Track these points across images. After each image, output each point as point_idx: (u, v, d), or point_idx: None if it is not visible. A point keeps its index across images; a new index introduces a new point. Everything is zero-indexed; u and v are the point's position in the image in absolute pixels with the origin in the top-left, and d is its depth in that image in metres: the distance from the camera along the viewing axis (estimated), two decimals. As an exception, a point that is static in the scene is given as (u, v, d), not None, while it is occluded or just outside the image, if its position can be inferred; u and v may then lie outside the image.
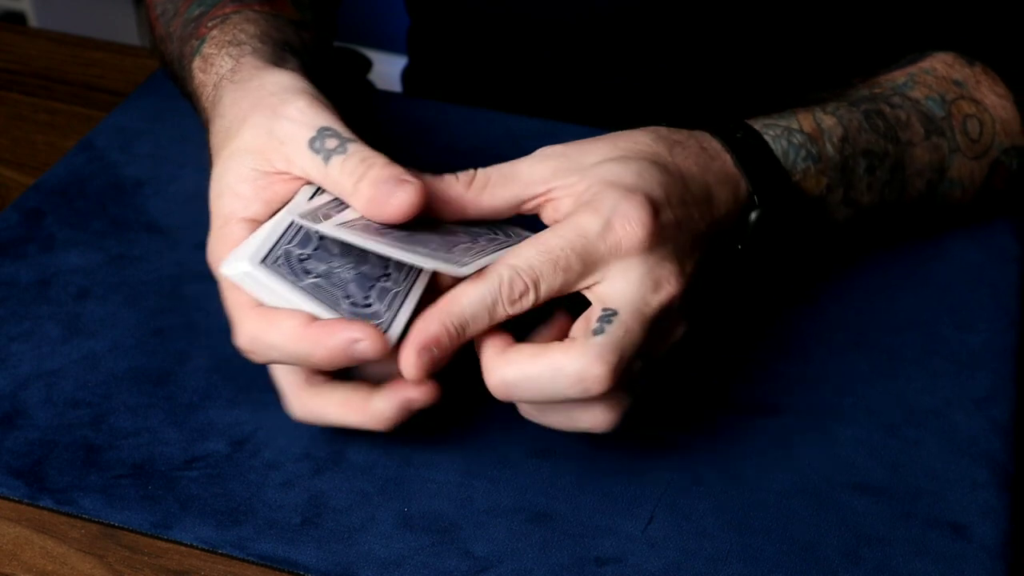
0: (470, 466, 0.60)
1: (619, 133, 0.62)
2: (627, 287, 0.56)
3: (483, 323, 0.55)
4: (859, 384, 0.65)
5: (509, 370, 0.55)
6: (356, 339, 0.53)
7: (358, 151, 0.57)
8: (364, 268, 0.57)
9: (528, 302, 0.56)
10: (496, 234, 0.60)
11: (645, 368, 0.57)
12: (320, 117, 0.59)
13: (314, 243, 0.57)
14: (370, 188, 0.56)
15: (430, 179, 0.58)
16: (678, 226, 0.58)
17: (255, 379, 0.64)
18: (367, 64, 1.27)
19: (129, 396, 0.64)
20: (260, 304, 0.56)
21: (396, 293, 0.57)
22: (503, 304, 0.55)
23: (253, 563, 0.57)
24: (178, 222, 0.74)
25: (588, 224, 0.56)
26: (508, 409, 0.63)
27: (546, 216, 0.59)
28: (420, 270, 0.58)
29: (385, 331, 0.55)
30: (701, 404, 0.64)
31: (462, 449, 0.61)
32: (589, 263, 0.56)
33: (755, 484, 0.60)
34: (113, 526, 0.58)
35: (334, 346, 0.53)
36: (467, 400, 0.63)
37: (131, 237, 0.73)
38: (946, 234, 0.74)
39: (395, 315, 0.56)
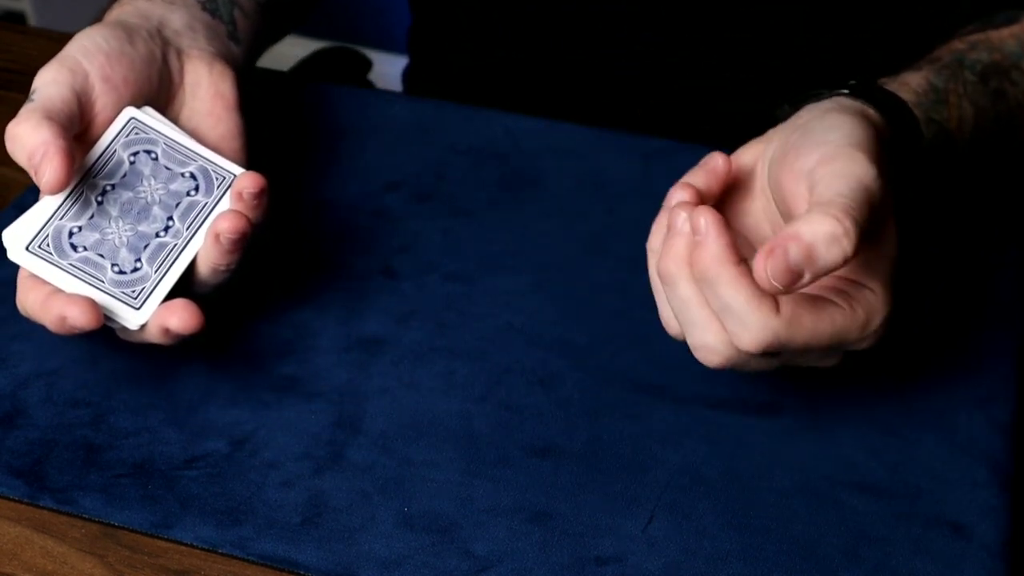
0: (470, 466, 0.60)
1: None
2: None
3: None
4: (859, 384, 0.65)
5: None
6: (64, 316, 0.57)
7: (19, 114, 0.59)
8: (143, 226, 0.59)
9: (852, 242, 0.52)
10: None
11: None
12: (43, 79, 0.61)
13: (92, 210, 0.60)
14: (23, 159, 0.59)
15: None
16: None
17: (255, 379, 0.64)
18: (367, 64, 1.27)
19: (129, 395, 0.64)
20: (30, 274, 0.60)
21: (173, 248, 0.59)
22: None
23: (253, 563, 0.57)
24: (178, 222, 0.74)
25: (849, 329, 0.56)
26: (508, 409, 0.63)
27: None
28: (204, 221, 0.60)
29: (148, 295, 0.58)
30: (701, 404, 0.64)
31: (462, 449, 0.61)
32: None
33: (755, 484, 0.60)
34: (113, 526, 0.58)
35: (51, 319, 0.58)
36: (467, 398, 0.64)
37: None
38: (946, 234, 0.74)
39: (162, 277, 0.59)
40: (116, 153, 0.61)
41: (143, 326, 0.59)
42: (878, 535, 0.57)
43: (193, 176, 0.62)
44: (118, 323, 0.59)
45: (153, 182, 0.61)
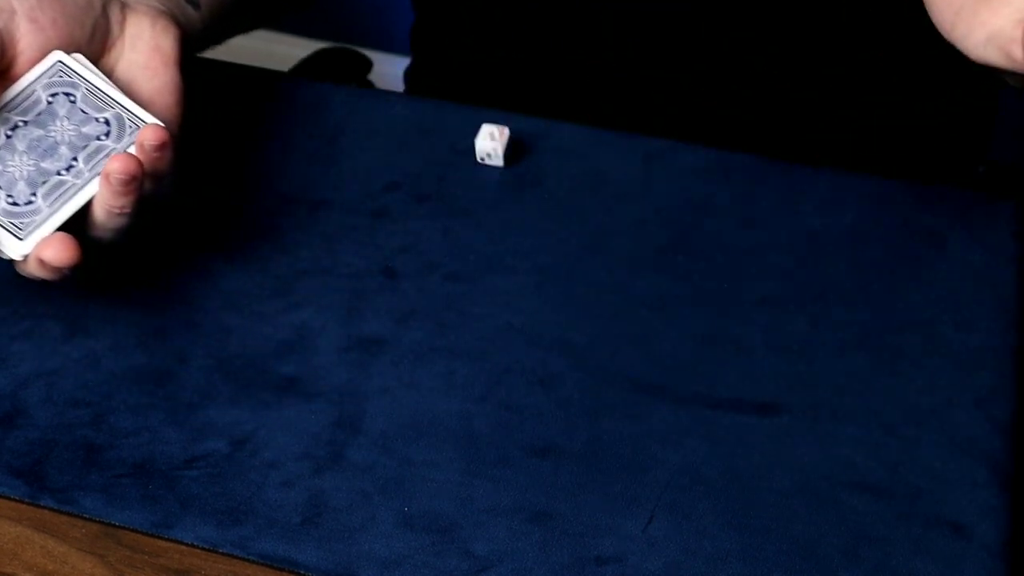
0: (470, 466, 0.60)
1: None
2: None
3: None
4: (859, 384, 0.65)
5: None
6: None
7: None
8: (46, 163, 0.60)
9: None
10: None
11: None
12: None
13: (0, 141, 0.60)
14: None
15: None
16: None
17: (255, 379, 0.64)
18: (367, 64, 1.26)
19: (129, 395, 0.64)
20: None
21: (71, 187, 0.60)
22: None
23: (254, 562, 0.57)
24: (178, 222, 0.74)
25: None
26: (508, 409, 0.63)
27: None
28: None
29: (38, 227, 0.58)
30: (701, 404, 0.64)
31: (462, 449, 0.61)
32: None
33: (755, 484, 0.60)
34: (114, 525, 0.58)
35: None
36: (467, 398, 0.64)
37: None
38: (946, 234, 0.74)
39: (53, 213, 0.59)
40: (35, 92, 0.62)
41: (25, 257, 0.59)
42: (878, 535, 0.57)
43: (107, 122, 0.62)
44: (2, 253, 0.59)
45: (66, 123, 0.61)
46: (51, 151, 0.60)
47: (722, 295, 0.70)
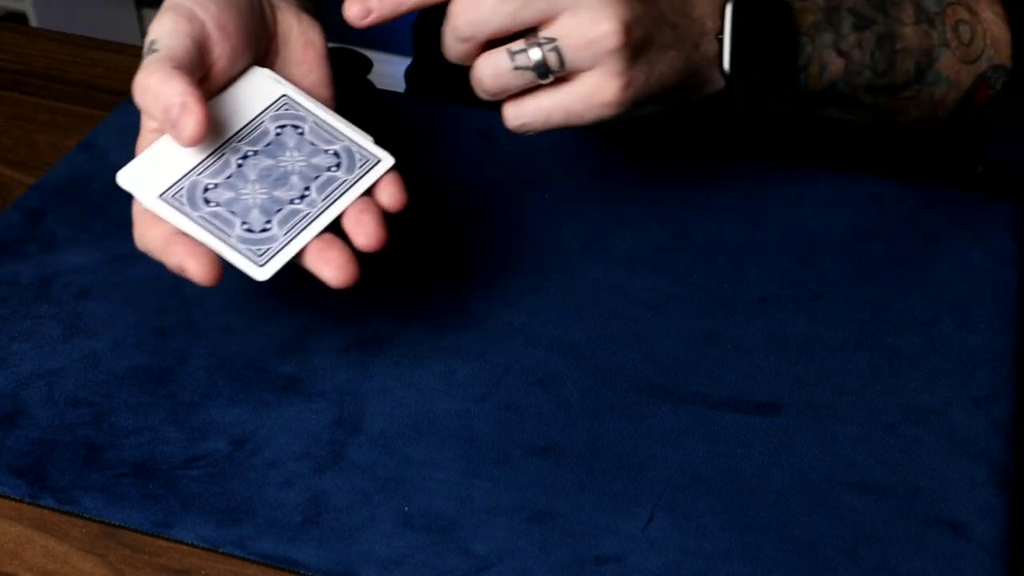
0: (470, 465, 0.60)
1: None
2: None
3: (457, 30, 0.62)
4: (859, 383, 0.65)
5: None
6: (183, 267, 0.58)
7: (145, 65, 0.60)
8: (279, 192, 0.60)
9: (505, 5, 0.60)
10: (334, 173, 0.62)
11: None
12: (161, 29, 0.61)
13: (231, 170, 0.61)
14: (158, 111, 0.59)
15: None
16: None
17: (255, 379, 0.65)
18: (367, 64, 1.27)
19: (130, 395, 0.64)
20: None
21: (305, 216, 0.60)
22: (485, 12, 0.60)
23: (254, 562, 0.57)
24: (179, 222, 0.74)
25: None
26: (508, 409, 0.63)
27: None
28: (340, 196, 0.61)
29: (274, 255, 0.58)
30: (701, 404, 0.64)
31: (462, 449, 0.61)
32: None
33: (755, 483, 0.60)
34: (114, 525, 0.58)
35: (171, 264, 0.58)
36: (467, 398, 0.64)
37: (131, 237, 0.73)
38: (946, 234, 0.74)
39: (290, 240, 0.59)
40: (263, 124, 0.62)
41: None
42: (878, 535, 0.57)
43: (337, 154, 0.62)
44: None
45: (296, 154, 0.62)
46: (283, 180, 0.60)
47: (722, 295, 0.70)
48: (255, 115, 0.63)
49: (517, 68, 0.62)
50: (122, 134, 0.82)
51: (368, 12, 0.62)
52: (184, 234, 0.59)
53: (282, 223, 0.59)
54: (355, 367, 0.65)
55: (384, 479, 0.60)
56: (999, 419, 0.63)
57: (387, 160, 0.63)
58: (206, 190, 0.60)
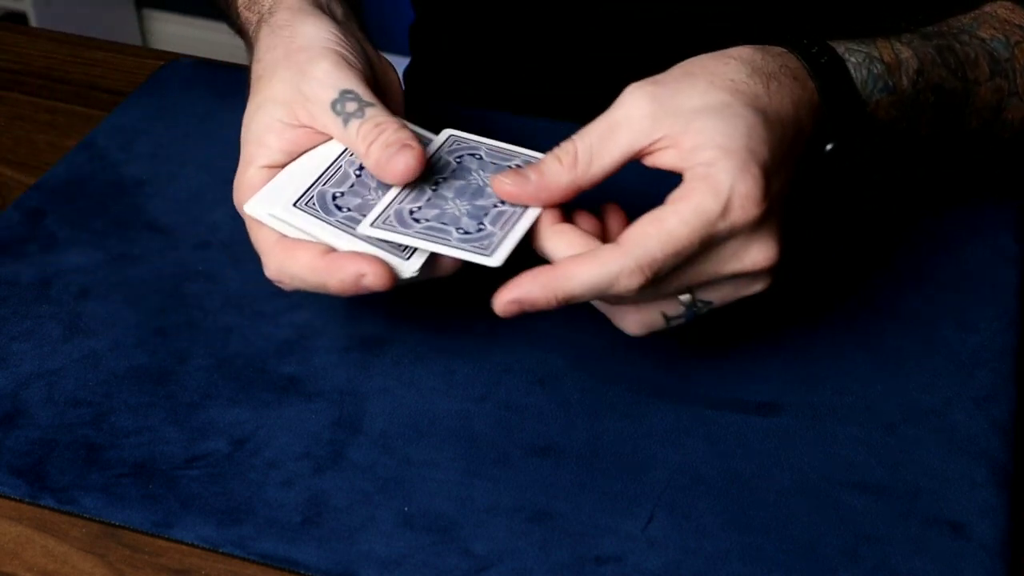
0: (470, 465, 0.60)
1: (710, 63, 0.61)
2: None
3: (588, 299, 0.57)
4: (859, 383, 0.65)
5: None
6: (363, 273, 0.57)
7: (374, 116, 0.61)
8: (480, 201, 0.61)
9: (644, 283, 0.56)
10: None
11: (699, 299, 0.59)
12: (343, 79, 0.62)
13: (351, 180, 0.62)
14: (378, 151, 0.60)
15: (535, 172, 0.59)
16: (782, 191, 0.59)
17: (255, 379, 0.65)
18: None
19: (130, 395, 0.64)
20: (282, 238, 0.60)
21: (513, 213, 0.60)
22: (617, 291, 0.56)
23: (254, 562, 0.57)
24: (178, 221, 0.74)
25: (708, 207, 0.56)
26: (508, 409, 0.63)
27: (647, 162, 0.59)
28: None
29: (499, 244, 0.59)
30: (701, 404, 0.64)
31: (462, 449, 0.61)
32: (708, 246, 0.57)
33: (755, 483, 0.60)
34: (114, 525, 0.58)
35: (344, 278, 0.57)
36: (467, 398, 0.64)
37: (132, 236, 0.73)
38: (947, 234, 0.74)
39: (507, 232, 0.59)
40: (442, 159, 0.63)
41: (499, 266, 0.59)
42: (878, 535, 0.57)
43: (520, 166, 0.62)
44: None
45: (482, 172, 0.63)
46: (479, 193, 0.61)
47: (722, 295, 0.70)
48: (431, 154, 0.63)
49: (672, 323, 0.60)
50: (121, 134, 0.82)
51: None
52: (332, 249, 0.59)
53: (494, 221, 0.60)
54: (355, 367, 0.65)
55: (384, 479, 0.60)
56: (999, 419, 0.63)
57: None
58: (411, 212, 0.60)
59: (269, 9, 0.68)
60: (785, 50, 0.63)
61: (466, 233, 0.59)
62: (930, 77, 0.69)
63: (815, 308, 0.69)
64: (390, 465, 0.60)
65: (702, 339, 0.67)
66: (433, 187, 0.62)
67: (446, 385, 0.64)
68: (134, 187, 0.77)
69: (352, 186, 0.61)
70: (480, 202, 0.61)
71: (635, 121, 0.58)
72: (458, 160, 0.63)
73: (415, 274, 0.59)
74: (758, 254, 0.58)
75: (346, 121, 0.61)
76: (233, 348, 0.66)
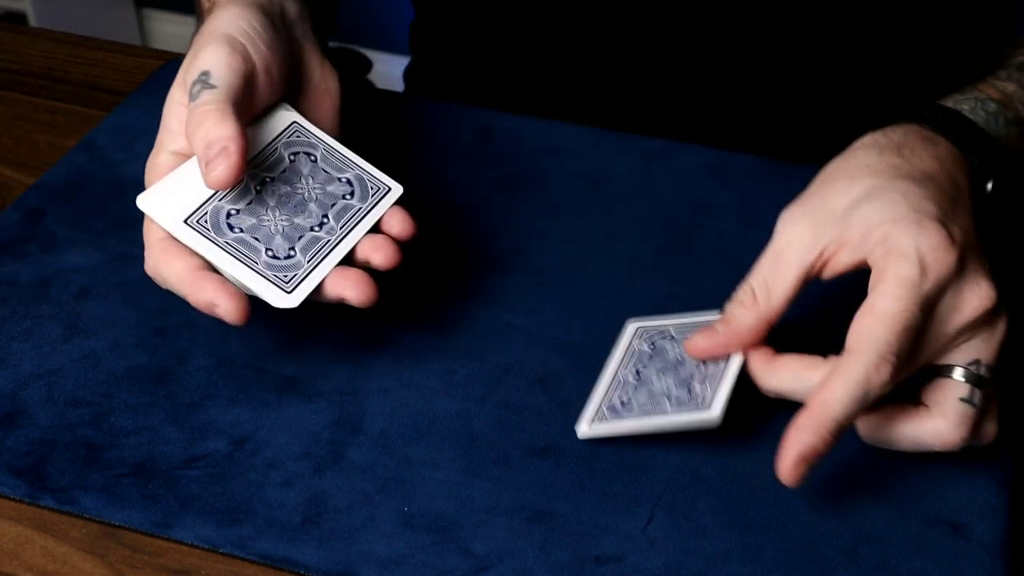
0: (470, 466, 0.60)
1: (841, 162, 0.62)
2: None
3: (856, 415, 0.55)
4: (859, 384, 0.65)
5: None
6: (215, 304, 0.58)
7: (206, 100, 0.60)
8: (298, 219, 0.61)
9: (896, 374, 0.55)
10: None
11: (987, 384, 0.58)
12: (210, 61, 0.61)
13: (251, 196, 0.61)
14: (200, 149, 0.59)
15: (722, 323, 0.60)
16: (968, 234, 0.58)
17: (255, 379, 0.65)
18: (367, 64, 1.27)
19: (130, 395, 0.64)
20: (167, 237, 0.60)
21: (326, 243, 0.61)
22: (877, 389, 0.55)
23: (254, 562, 0.57)
24: (179, 222, 0.74)
25: (907, 273, 0.56)
26: (508, 409, 0.63)
27: (827, 274, 0.60)
28: (357, 223, 0.63)
29: (300, 282, 0.60)
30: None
31: (462, 449, 0.61)
32: (928, 309, 0.56)
33: (755, 483, 0.60)
34: (114, 525, 0.58)
35: (199, 299, 0.58)
36: (467, 398, 0.64)
37: (132, 236, 0.73)
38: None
39: (314, 267, 0.60)
40: (278, 151, 0.63)
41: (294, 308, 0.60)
42: (878, 535, 0.57)
43: (349, 182, 0.64)
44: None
45: (311, 181, 0.63)
46: (301, 207, 0.62)
47: (722, 295, 0.70)
48: (268, 141, 0.63)
49: (975, 401, 0.58)
50: (121, 134, 0.82)
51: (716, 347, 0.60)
52: (209, 268, 0.59)
53: (304, 250, 0.60)
54: (355, 367, 0.65)
55: (384, 479, 0.60)
56: (999, 419, 0.63)
57: (396, 189, 0.64)
58: (229, 215, 0.60)
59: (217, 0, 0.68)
60: (902, 123, 0.64)
61: (274, 257, 0.60)
62: None
63: (815, 309, 0.69)
64: (390, 465, 0.60)
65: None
66: (259, 187, 0.61)
67: (446, 385, 0.64)
68: (134, 187, 0.77)
69: (250, 203, 0.61)
70: (298, 220, 0.61)
71: (796, 240, 0.59)
72: (292, 157, 0.63)
73: (296, 306, 0.60)
74: (975, 298, 0.57)
75: (192, 100, 0.61)
76: (233, 348, 0.66)
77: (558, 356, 0.66)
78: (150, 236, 0.61)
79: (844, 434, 0.55)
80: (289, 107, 0.65)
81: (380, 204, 0.64)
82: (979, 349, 0.58)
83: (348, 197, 0.63)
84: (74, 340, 0.67)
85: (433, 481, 0.60)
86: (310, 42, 0.68)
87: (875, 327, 0.55)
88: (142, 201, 0.60)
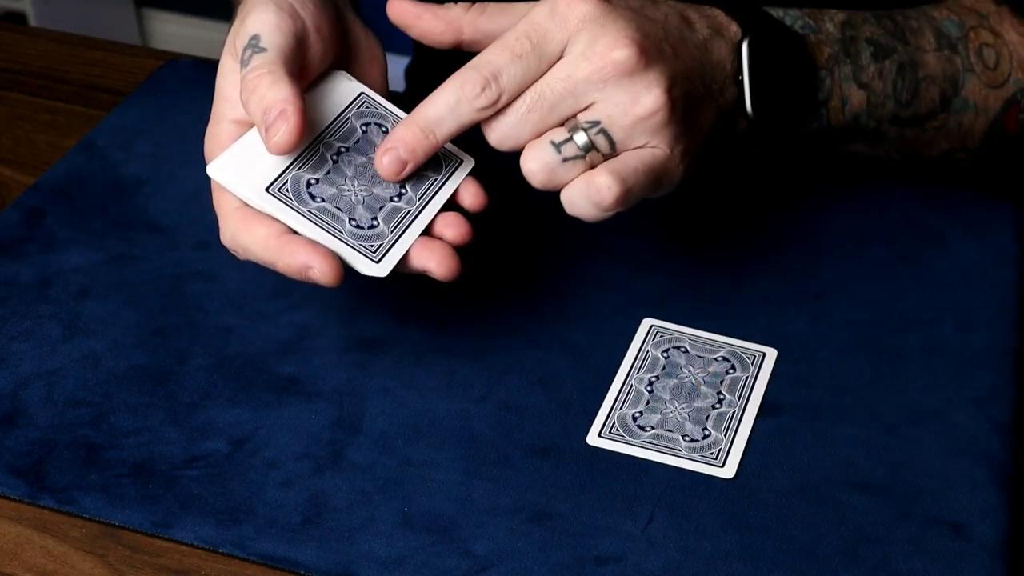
0: (470, 466, 0.60)
1: None
2: (580, 50, 0.58)
3: (451, 126, 0.59)
4: (859, 384, 0.65)
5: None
6: (310, 266, 0.57)
7: (256, 64, 0.59)
8: (377, 189, 0.60)
9: (492, 95, 0.58)
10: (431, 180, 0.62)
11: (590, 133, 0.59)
12: (259, 24, 0.60)
13: (328, 166, 0.60)
14: (258, 115, 0.58)
15: (429, 10, 0.61)
16: (634, 10, 0.59)
17: (255, 379, 0.65)
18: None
19: (129, 395, 0.64)
20: (243, 206, 0.59)
21: (407, 213, 0.60)
22: (467, 103, 0.58)
23: (253, 562, 0.57)
24: (178, 221, 0.74)
25: (536, 11, 0.58)
26: (508, 409, 0.63)
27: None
28: (435, 195, 0.62)
29: (386, 252, 0.59)
30: (701, 404, 0.64)
31: (462, 449, 0.61)
32: (540, 43, 0.58)
33: (755, 484, 0.60)
34: (114, 525, 0.58)
35: (291, 264, 0.57)
36: (467, 398, 0.64)
37: (131, 237, 0.73)
38: (947, 234, 0.74)
39: (398, 237, 0.60)
40: (349, 121, 0.62)
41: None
42: (878, 535, 0.57)
43: None
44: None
45: None
46: (378, 178, 0.61)
47: (722, 295, 0.70)
48: (339, 112, 0.63)
49: (567, 160, 0.59)
50: (121, 134, 0.82)
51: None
52: (292, 232, 0.58)
53: (387, 220, 0.60)
54: (355, 367, 0.65)
55: (384, 479, 0.60)
56: (999, 419, 0.63)
57: (469, 161, 0.64)
58: (309, 184, 0.59)
59: None
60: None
61: (358, 227, 0.59)
62: (860, 29, 0.68)
63: (816, 308, 0.69)
64: (390, 465, 0.60)
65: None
66: (335, 156, 0.61)
67: (446, 385, 0.64)
68: (134, 187, 0.77)
69: (328, 173, 0.60)
70: (377, 191, 0.60)
71: (533, 12, 0.59)
72: (365, 127, 0.62)
73: (386, 275, 0.59)
74: (612, 47, 0.57)
75: (243, 67, 0.60)
76: (233, 348, 0.66)
77: (558, 356, 0.66)
78: (224, 206, 0.59)
79: (438, 143, 0.59)
80: (351, 77, 0.64)
81: (454, 176, 0.63)
82: (608, 112, 0.58)
83: (423, 168, 0.62)
84: (74, 340, 0.67)
85: (433, 481, 0.60)
86: (351, 12, 0.68)
87: (487, 50, 0.58)
88: (214, 170, 0.59)
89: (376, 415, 0.63)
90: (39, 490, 0.59)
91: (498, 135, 0.59)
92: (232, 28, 0.63)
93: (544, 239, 0.73)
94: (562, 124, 0.59)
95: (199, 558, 0.57)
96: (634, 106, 0.58)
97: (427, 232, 0.61)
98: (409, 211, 0.60)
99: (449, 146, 0.63)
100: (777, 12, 0.67)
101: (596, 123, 0.58)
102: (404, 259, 0.59)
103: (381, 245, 0.59)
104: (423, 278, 0.70)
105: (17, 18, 2.22)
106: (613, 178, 0.58)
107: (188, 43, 2.29)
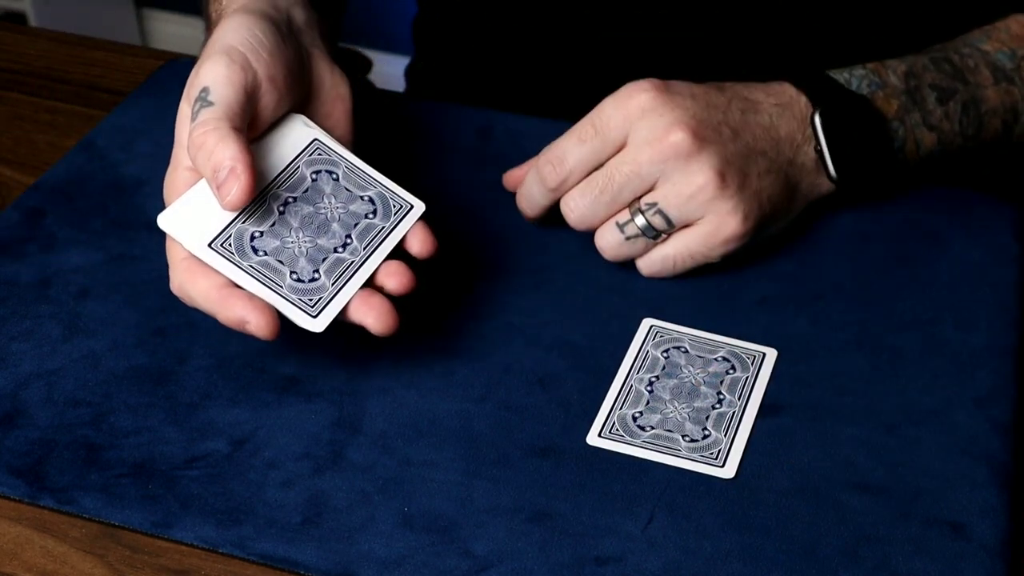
0: (470, 466, 0.60)
1: None
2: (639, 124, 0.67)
3: (540, 196, 0.70)
4: (859, 384, 0.65)
5: None
6: (247, 320, 0.58)
7: (204, 120, 0.60)
8: (321, 240, 0.61)
9: (562, 173, 0.68)
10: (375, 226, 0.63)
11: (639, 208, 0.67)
12: (209, 76, 0.61)
13: (274, 217, 0.61)
14: (208, 171, 0.59)
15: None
16: (695, 97, 0.66)
17: (255, 379, 0.65)
18: (367, 64, 1.27)
19: (129, 395, 0.64)
20: (190, 256, 0.60)
21: (350, 264, 0.61)
22: (538, 184, 0.69)
23: (253, 562, 0.57)
24: (178, 222, 0.74)
25: (604, 101, 0.67)
26: (508, 409, 0.63)
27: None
28: (380, 243, 0.63)
29: (324, 306, 0.60)
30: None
31: (462, 449, 0.61)
32: (604, 129, 0.67)
33: (755, 484, 0.60)
34: (113, 525, 0.58)
35: (229, 317, 0.59)
36: (467, 398, 0.64)
37: (131, 236, 0.73)
38: (947, 234, 0.74)
39: (339, 290, 0.60)
40: (299, 169, 0.63)
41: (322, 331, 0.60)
42: (878, 535, 0.57)
43: (371, 200, 0.64)
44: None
45: (333, 200, 0.63)
46: (324, 228, 0.61)
47: (722, 295, 0.70)
48: (290, 160, 0.63)
49: (629, 239, 0.68)
50: (121, 134, 0.82)
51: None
52: (234, 285, 0.59)
53: (329, 272, 0.61)
54: (355, 367, 0.65)
55: (384, 479, 0.60)
56: (999, 419, 0.63)
57: (419, 207, 0.64)
58: (253, 238, 0.60)
59: (225, 8, 0.68)
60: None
61: (299, 280, 0.60)
62: (923, 77, 0.73)
63: (815, 308, 0.69)
64: (390, 465, 0.60)
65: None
66: (282, 207, 0.61)
67: (446, 385, 0.64)
68: (134, 187, 0.77)
69: (273, 225, 0.61)
70: (322, 241, 0.61)
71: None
72: (315, 176, 0.63)
73: (322, 330, 0.60)
74: (669, 131, 0.65)
75: (192, 120, 0.61)
76: (233, 348, 0.66)
77: (558, 356, 0.66)
78: (173, 255, 0.61)
79: (542, 210, 0.71)
80: (308, 121, 0.65)
81: (402, 223, 0.64)
82: (665, 195, 0.66)
83: (371, 216, 0.63)
84: (74, 340, 0.67)
85: (433, 481, 0.60)
86: (319, 49, 0.68)
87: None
88: (164, 221, 0.60)
89: (376, 415, 0.63)
90: (39, 490, 0.59)
91: (577, 216, 0.68)
92: (190, 77, 0.63)
93: (544, 239, 0.73)
94: (629, 206, 0.67)
95: (199, 558, 0.57)
96: (687, 186, 0.66)
97: (370, 282, 0.61)
98: (352, 262, 0.61)
99: (398, 190, 0.64)
100: (844, 75, 0.72)
101: (653, 204, 0.67)
102: (343, 312, 0.60)
103: (320, 299, 0.60)
104: (423, 279, 0.70)
105: (17, 18, 2.22)
106: (664, 262, 0.69)
107: (188, 43, 2.29)
